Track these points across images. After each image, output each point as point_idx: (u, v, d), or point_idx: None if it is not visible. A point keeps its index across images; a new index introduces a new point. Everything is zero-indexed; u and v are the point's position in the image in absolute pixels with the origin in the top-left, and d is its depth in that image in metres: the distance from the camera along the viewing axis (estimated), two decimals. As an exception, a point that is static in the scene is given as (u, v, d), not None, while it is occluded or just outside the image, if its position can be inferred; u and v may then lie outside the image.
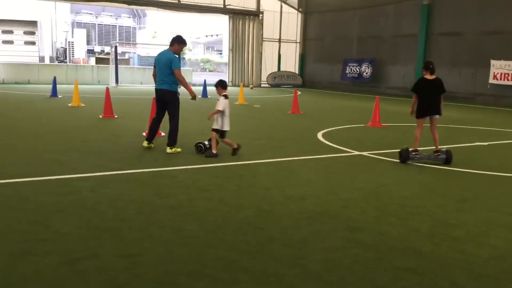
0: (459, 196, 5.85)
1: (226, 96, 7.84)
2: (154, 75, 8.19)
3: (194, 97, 8.15)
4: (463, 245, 4.19)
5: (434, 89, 7.82)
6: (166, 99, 8.02)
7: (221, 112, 7.74)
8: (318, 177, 6.68)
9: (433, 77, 7.85)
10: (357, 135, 10.96)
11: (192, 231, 4.34)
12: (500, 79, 21.14)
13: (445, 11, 23.88)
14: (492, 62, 21.39)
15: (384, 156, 8.27)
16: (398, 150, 7.91)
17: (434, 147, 7.93)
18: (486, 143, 10.01)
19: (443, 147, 8.34)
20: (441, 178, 6.87)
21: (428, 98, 7.81)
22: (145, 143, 8.27)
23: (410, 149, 7.84)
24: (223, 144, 7.98)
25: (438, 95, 7.82)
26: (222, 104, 7.73)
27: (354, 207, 5.24)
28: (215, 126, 7.83)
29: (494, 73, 21.39)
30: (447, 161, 7.74)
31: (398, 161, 7.77)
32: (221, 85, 7.98)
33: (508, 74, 20.82)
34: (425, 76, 7.89)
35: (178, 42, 8.13)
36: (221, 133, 7.85)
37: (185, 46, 8.50)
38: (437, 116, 7.92)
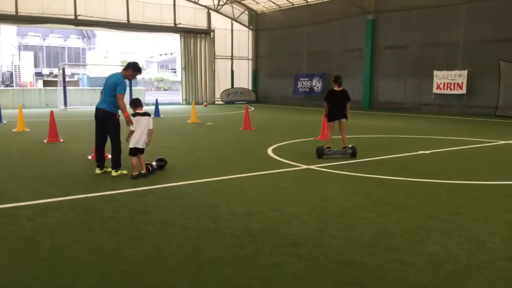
0: (401, 205, 6.00)
1: (134, 114, 7.65)
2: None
3: (129, 122, 7.72)
4: (400, 254, 4.28)
5: (341, 98, 9.84)
6: (104, 120, 7.87)
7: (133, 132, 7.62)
8: (265, 193, 6.69)
9: (340, 88, 9.86)
10: (306, 149, 11.10)
11: (131, 256, 4.23)
12: (443, 88, 22.03)
13: (389, 26, 24.78)
14: (435, 72, 22.30)
15: (332, 169, 8.40)
16: (342, 162, 8.09)
17: (343, 144, 9.73)
18: (429, 152, 10.35)
19: (388, 156, 8.58)
20: (385, 188, 7.03)
21: (336, 106, 9.78)
22: (97, 170, 8.01)
23: (324, 147, 9.55)
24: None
25: (344, 103, 9.82)
26: (133, 124, 7.59)
27: (297, 221, 5.27)
28: (130, 146, 7.64)
29: (437, 83, 22.28)
30: (353, 154, 9.49)
31: (346, 172, 7.93)
32: (134, 103, 7.82)
33: (450, 83, 21.74)
34: (334, 88, 9.87)
35: (134, 69, 8.04)
36: (140, 152, 7.66)
37: (139, 74, 8.37)
38: (344, 120, 9.91)
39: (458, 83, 21.41)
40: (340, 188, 6.95)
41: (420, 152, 10.31)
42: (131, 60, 8.42)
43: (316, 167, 8.61)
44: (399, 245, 4.51)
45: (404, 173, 8.05)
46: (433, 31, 22.79)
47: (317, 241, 4.62)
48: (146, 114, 7.78)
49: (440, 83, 22.13)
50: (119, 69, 8.12)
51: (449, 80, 21.76)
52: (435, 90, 22.40)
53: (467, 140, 12.40)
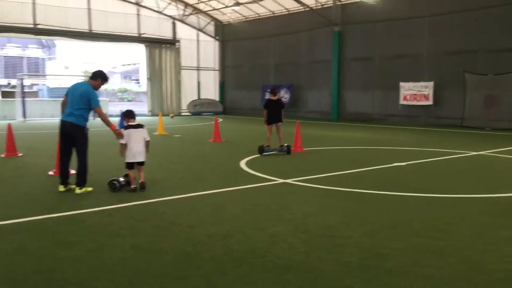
0: (386, 222, 5.73)
1: (127, 127, 7.46)
2: (63, 104, 7.46)
3: (119, 134, 7.40)
4: (395, 278, 3.97)
5: (277, 106, 12.03)
6: (72, 134, 7.31)
7: (125, 145, 7.37)
8: (243, 210, 6.31)
9: (276, 98, 12.21)
10: (281, 162, 10.80)
11: (100, 288, 3.77)
12: (410, 100, 22.26)
13: (355, 37, 24.96)
14: (402, 84, 22.52)
15: (309, 183, 8.10)
16: (318, 175, 7.82)
17: (280, 143, 11.85)
18: (404, 163, 10.22)
19: (363, 169, 8.37)
20: (366, 203, 6.77)
21: (273, 112, 11.93)
22: (61, 188, 7.41)
23: (264, 145, 11.67)
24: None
25: (279, 109, 11.97)
26: (124, 137, 7.36)
27: (281, 242, 4.91)
28: (127, 160, 7.43)
29: (403, 94, 22.50)
30: (288, 151, 11.76)
31: (323, 186, 7.67)
32: (127, 115, 7.61)
33: (416, 95, 21.98)
34: (271, 98, 12.16)
35: (102, 78, 7.58)
36: (138, 164, 7.48)
37: (106, 83, 7.93)
38: (280, 123, 12.02)
39: (424, 94, 21.67)
40: (320, 204, 6.64)
41: (395, 164, 10.16)
42: (94, 70, 7.90)
43: (292, 181, 8.29)
44: (393, 267, 4.21)
45: (383, 186, 7.83)
46: (398, 43, 23.06)
47: (304, 265, 4.27)
48: (139, 126, 7.53)
49: (407, 94, 22.36)
50: (81, 79, 7.62)
51: (415, 92, 22.00)
52: (402, 101, 22.61)
53: (439, 151, 12.39)
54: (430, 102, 21.55)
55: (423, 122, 22.08)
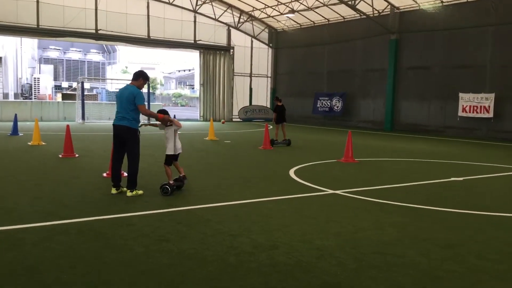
0: (443, 241, 5.41)
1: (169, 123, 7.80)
2: None
3: (167, 121, 7.62)
4: (453, 303, 3.71)
5: (283, 110, 15.93)
6: (125, 137, 7.45)
7: (175, 134, 7.70)
8: (290, 220, 6.17)
9: (281, 104, 15.87)
10: (330, 172, 10.57)
11: (144, 295, 3.74)
12: (469, 111, 21.34)
13: (413, 46, 24.25)
14: (461, 95, 21.63)
15: (359, 195, 7.84)
16: (370, 187, 7.55)
17: (283, 137, 15.78)
18: (461, 179, 9.73)
19: (418, 182, 8.02)
20: (421, 219, 6.45)
21: (280, 115, 15.80)
22: (113, 190, 7.56)
23: (274, 139, 15.18)
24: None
25: (284, 112, 15.93)
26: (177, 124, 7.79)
27: (329, 257, 4.73)
28: (168, 152, 7.69)
29: (463, 106, 21.60)
30: (289, 144, 15.52)
31: (375, 199, 7.39)
32: (166, 113, 7.75)
33: (476, 106, 21.04)
34: (278, 104, 15.85)
35: (144, 78, 7.68)
36: (176, 158, 7.82)
37: (148, 82, 8.14)
38: (285, 122, 15.90)
39: (484, 106, 20.70)
40: (371, 219, 6.38)
41: (452, 179, 9.69)
42: (135, 71, 8.02)
43: (342, 192, 8.06)
44: (449, 291, 3.94)
45: (439, 202, 7.45)
46: (458, 53, 22.18)
47: (354, 283, 4.08)
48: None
49: (466, 106, 21.44)
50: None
51: (475, 103, 21.06)
52: (460, 113, 21.70)
53: (499, 167, 11.73)
54: (490, 115, 20.56)
55: (483, 135, 21.08)
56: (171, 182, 7.54)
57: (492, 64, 20.94)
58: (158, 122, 7.75)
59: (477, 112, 21.04)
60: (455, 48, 22.33)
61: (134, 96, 7.38)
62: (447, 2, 22.48)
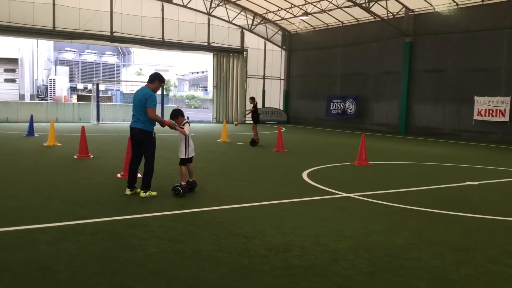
0: (457, 244, 5.36)
1: (188, 123, 7.80)
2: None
3: (166, 124, 7.66)
4: (468, 308, 3.67)
5: (257, 110, 17.09)
6: (140, 139, 7.51)
7: (186, 138, 7.66)
8: (303, 223, 6.15)
9: (256, 106, 16.87)
10: (344, 175, 10.52)
11: (158, 295, 3.76)
12: (485, 115, 21.10)
13: (427, 49, 24.06)
14: (476, 98, 21.40)
15: (373, 198, 7.80)
16: (384, 190, 7.49)
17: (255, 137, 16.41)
18: (476, 183, 9.61)
19: (433, 186, 7.95)
20: (435, 223, 6.39)
21: (257, 115, 16.95)
22: (127, 191, 7.61)
23: (255, 139, 16.15)
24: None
25: (258, 113, 17.13)
26: (187, 128, 7.65)
27: (343, 260, 4.71)
28: (181, 155, 7.71)
29: (478, 109, 21.36)
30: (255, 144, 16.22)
31: (389, 203, 7.34)
32: (180, 114, 7.76)
33: (492, 110, 20.80)
34: (255, 104, 16.76)
35: (159, 80, 7.70)
36: (189, 161, 7.82)
37: (164, 84, 8.20)
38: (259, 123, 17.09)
39: (500, 110, 20.45)
40: (385, 222, 6.34)
41: (467, 183, 9.58)
42: (151, 73, 8.05)
43: (356, 195, 8.02)
44: (464, 296, 3.90)
45: (453, 206, 7.38)
46: (474, 56, 21.95)
47: (368, 286, 4.05)
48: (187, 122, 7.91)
49: (481, 109, 21.20)
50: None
51: (491, 107, 20.82)
52: (476, 117, 21.46)
53: (516, 171, 11.58)
54: (506, 119, 20.29)
55: (498, 139, 20.82)
56: (183, 183, 7.58)
57: (508, 67, 20.68)
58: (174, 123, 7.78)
59: (492, 116, 20.79)
60: (470, 51, 22.11)
61: (146, 97, 7.42)
62: (462, 4, 22.27)
